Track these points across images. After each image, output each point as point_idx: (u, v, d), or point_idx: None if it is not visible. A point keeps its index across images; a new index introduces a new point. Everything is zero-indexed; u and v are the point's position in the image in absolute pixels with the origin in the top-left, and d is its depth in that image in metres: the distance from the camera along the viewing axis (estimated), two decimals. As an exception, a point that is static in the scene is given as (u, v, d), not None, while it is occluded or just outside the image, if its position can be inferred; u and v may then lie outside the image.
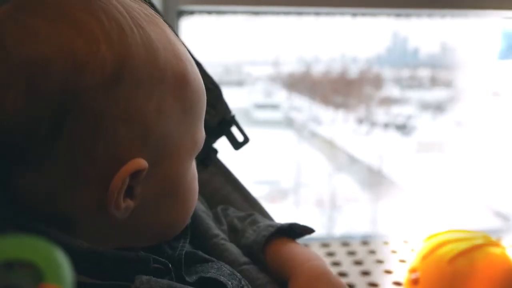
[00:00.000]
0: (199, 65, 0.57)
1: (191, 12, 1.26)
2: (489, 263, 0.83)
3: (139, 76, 0.33)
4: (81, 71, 0.31)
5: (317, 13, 1.32)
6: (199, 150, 0.38)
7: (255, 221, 0.47)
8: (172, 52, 0.35)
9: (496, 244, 0.86)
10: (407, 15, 1.42)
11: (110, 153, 0.32)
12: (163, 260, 0.36)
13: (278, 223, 0.45)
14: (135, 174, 0.33)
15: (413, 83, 5.95)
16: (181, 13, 1.25)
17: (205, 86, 0.55)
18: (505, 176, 4.76)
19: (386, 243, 1.02)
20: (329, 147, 5.34)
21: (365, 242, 1.01)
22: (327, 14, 1.33)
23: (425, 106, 5.75)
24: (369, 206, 4.79)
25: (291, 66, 5.85)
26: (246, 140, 0.56)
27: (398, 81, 5.89)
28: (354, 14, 1.34)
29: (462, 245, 0.85)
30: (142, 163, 0.33)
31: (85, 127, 0.32)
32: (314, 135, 5.49)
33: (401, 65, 6.06)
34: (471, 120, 5.33)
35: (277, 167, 5.10)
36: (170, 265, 0.36)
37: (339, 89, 5.85)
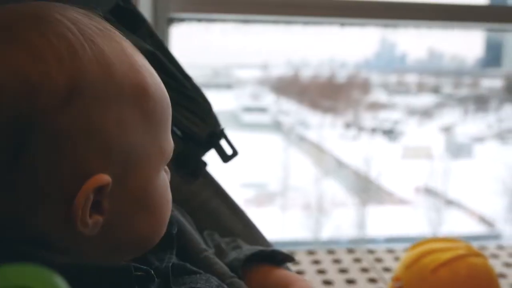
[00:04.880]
0: (188, 78, 0.58)
1: (181, 20, 1.27)
2: (471, 273, 0.85)
3: (94, 92, 0.33)
4: (34, 94, 0.31)
5: (305, 22, 1.33)
6: (168, 160, 0.39)
7: (238, 246, 0.48)
8: (129, 65, 0.36)
9: (478, 254, 0.88)
10: (394, 26, 1.44)
11: (72, 171, 0.33)
12: (145, 267, 0.36)
13: (261, 247, 0.46)
14: (100, 190, 0.33)
15: (401, 88, 6.00)
16: (171, 21, 1.26)
17: (196, 100, 0.56)
18: (491, 183, 4.82)
19: (371, 251, 1.03)
20: (317, 151, 5.36)
21: (350, 250, 1.02)
22: (316, 23, 1.34)
23: (412, 111, 5.79)
24: (356, 211, 4.82)
25: (279, 69, 5.86)
26: (235, 153, 0.57)
27: (386, 86, 5.94)
28: (343, 24, 1.36)
29: (445, 255, 0.87)
30: (105, 178, 0.33)
31: (45, 147, 0.32)
32: (301, 139, 5.51)
33: (389, 71, 6.10)
34: (457, 126, 5.40)
35: (264, 171, 5.11)
36: (152, 272, 0.36)
37: (327, 93, 5.88)
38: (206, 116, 0.56)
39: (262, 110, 5.65)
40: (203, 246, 0.45)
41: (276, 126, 5.62)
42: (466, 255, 0.87)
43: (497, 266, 1.00)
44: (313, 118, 5.60)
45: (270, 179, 5.03)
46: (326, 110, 5.67)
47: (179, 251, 0.43)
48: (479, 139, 5.35)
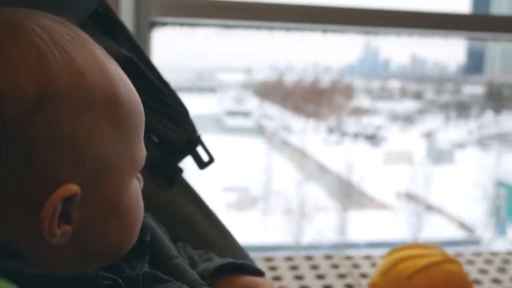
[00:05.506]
0: (166, 85, 0.58)
1: (164, 24, 1.26)
2: (446, 280, 0.87)
3: (65, 100, 0.33)
4: (2, 101, 0.31)
5: (288, 28, 1.34)
6: (140, 167, 0.39)
7: (210, 258, 0.48)
8: (101, 73, 0.35)
9: (453, 261, 0.89)
10: (375, 33, 1.46)
11: (41, 180, 0.32)
12: (113, 276, 0.36)
13: (232, 260, 0.47)
14: (68, 200, 0.33)
15: (383, 94, 6.06)
16: (153, 24, 1.25)
17: (173, 106, 0.56)
18: (471, 188, 4.89)
19: (348, 257, 1.04)
20: (299, 155, 5.38)
21: (328, 256, 1.03)
22: (298, 29, 1.35)
23: (394, 117, 5.86)
24: (337, 216, 4.84)
25: (263, 74, 5.87)
26: (211, 160, 0.57)
27: (369, 92, 5.99)
28: (324, 30, 1.37)
29: (421, 262, 0.88)
30: (73, 188, 0.33)
31: (14, 156, 0.32)
32: (284, 143, 5.52)
33: (372, 76, 6.16)
34: (439, 132, 5.47)
35: (246, 175, 5.11)
36: (120, 281, 0.36)
37: (310, 98, 5.91)
38: (183, 123, 0.56)
39: (246, 114, 5.66)
40: (175, 253, 0.45)
41: (259, 130, 5.63)
42: (442, 261, 0.88)
43: (472, 272, 1.02)
44: (296, 122, 5.63)
45: (252, 183, 5.03)
46: (309, 114, 5.70)
47: (151, 258, 0.43)
48: (460, 145, 5.43)
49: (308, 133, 5.59)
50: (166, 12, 1.23)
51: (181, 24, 1.28)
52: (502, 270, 1.02)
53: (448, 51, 5.17)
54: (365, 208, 5.30)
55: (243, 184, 5.17)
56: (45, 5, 0.40)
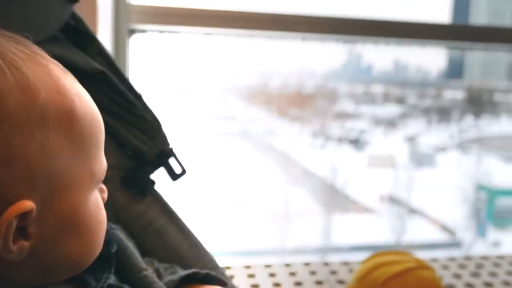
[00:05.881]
0: (138, 97, 0.58)
1: (143, 31, 1.27)
2: (419, 286, 0.88)
3: (15, 119, 0.33)
4: None
5: (268, 36, 1.35)
6: (100, 181, 0.39)
7: (176, 271, 0.49)
8: (55, 89, 0.36)
9: (426, 267, 0.91)
10: (354, 42, 1.48)
11: None
12: None
13: (196, 270, 0.47)
14: (24, 216, 0.33)
15: (367, 98, 6.12)
16: (132, 31, 1.25)
17: (145, 118, 0.57)
18: (452, 192, 4.96)
19: (326, 263, 1.05)
20: (284, 159, 5.40)
21: (306, 263, 1.04)
22: (278, 37, 1.37)
23: (377, 121, 5.91)
24: (322, 219, 4.87)
25: (248, 78, 5.88)
26: (183, 171, 0.57)
27: (353, 97, 6.04)
28: (304, 39, 1.39)
29: (395, 268, 0.90)
30: (27, 204, 0.33)
31: None
32: (269, 147, 5.54)
33: (356, 81, 6.21)
34: (421, 136, 5.54)
35: (231, 179, 5.11)
36: None
37: (295, 102, 5.93)
38: (155, 135, 0.57)
39: (231, 118, 5.66)
40: (143, 265, 0.46)
41: (244, 134, 5.64)
42: (416, 268, 0.90)
43: (447, 277, 1.04)
44: (281, 126, 5.65)
45: (237, 188, 5.03)
46: (294, 119, 5.72)
47: (119, 271, 0.43)
48: (442, 149, 5.50)
49: (292, 137, 5.61)
50: (145, 20, 1.24)
51: (161, 32, 1.29)
52: (475, 274, 1.04)
53: (430, 57, 5.24)
54: (349, 211, 5.33)
55: (228, 188, 5.17)
56: (15, 20, 0.40)
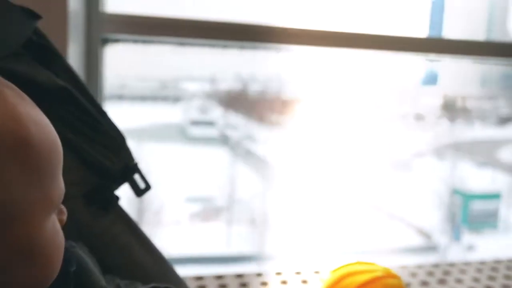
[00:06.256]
0: (103, 113, 0.59)
1: (116, 40, 1.26)
2: (386, 295, 0.90)
3: None
4: None
5: (241, 47, 1.36)
6: (57, 206, 0.39)
7: (136, 287, 0.49)
8: (10, 116, 0.36)
9: (394, 276, 0.93)
10: (329, 52, 1.50)
11: None
12: None
13: (155, 284, 0.48)
14: None
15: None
16: (105, 41, 1.25)
17: (109, 135, 0.57)
18: (428, 196, 5.04)
19: (279, 273, 1.07)
20: (263, 165, 5.41)
21: (258, 274, 1.05)
22: (251, 48, 1.38)
23: (355, 127, 5.96)
24: (301, 225, 4.89)
25: (227, 83, 5.89)
26: (148, 187, 0.58)
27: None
28: (278, 49, 1.40)
29: (363, 277, 0.92)
30: None
31: None
32: (248, 153, 5.54)
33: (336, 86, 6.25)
34: (398, 142, 5.61)
35: (211, 185, 5.10)
36: None
37: (274, 108, 5.96)
38: (119, 150, 0.57)
39: (210, 123, 5.65)
40: (103, 283, 0.46)
41: (224, 140, 5.63)
42: (383, 277, 0.92)
43: (414, 285, 1.06)
44: (260, 132, 5.66)
45: (216, 194, 5.02)
46: (273, 124, 5.74)
47: (78, 288, 0.43)
48: (418, 155, 5.58)
49: (271, 143, 5.63)
50: (118, 29, 1.24)
51: (135, 41, 1.29)
52: (442, 281, 1.07)
53: (407, 65, 5.33)
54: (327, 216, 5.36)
55: (207, 194, 5.16)
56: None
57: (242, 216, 4.90)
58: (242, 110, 5.97)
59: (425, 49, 1.53)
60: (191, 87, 6.04)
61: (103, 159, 0.55)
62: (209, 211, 4.98)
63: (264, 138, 5.55)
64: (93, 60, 1.21)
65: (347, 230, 4.96)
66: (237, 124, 5.84)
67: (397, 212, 5.08)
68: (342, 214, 5.15)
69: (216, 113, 5.92)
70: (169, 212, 4.83)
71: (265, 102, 5.94)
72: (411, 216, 5.08)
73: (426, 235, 5.07)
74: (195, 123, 5.90)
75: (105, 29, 1.21)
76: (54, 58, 0.57)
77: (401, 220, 5.09)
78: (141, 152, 4.76)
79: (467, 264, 1.16)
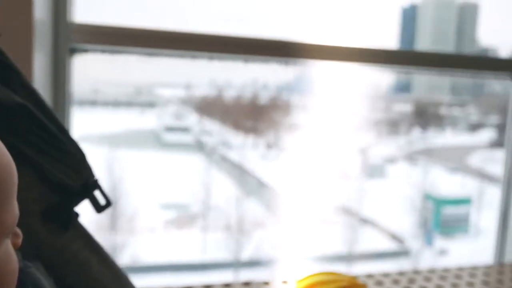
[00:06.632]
0: (62, 130, 0.58)
1: (84, 50, 1.26)
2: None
3: None
4: None
5: (210, 57, 1.37)
6: (10, 231, 0.38)
7: None
8: None
9: (360, 285, 0.95)
10: (294, 63, 1.52)
11: None
12: None
13: None
14: None
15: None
16: (73, 51, 1.24)
17: (69, 152, 0.57)
18: (401, 201, 5.12)
19: (246, 283, 1.07)
20: (238, 171, 5.42)
21: (227, 285, 1.06)
22: (220, 58, 1.38)
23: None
24: (275, 231, 4.91)
25: (203, 89, 5.88)
26: (108, 203, 0.58)
27: (306, 109, 6.14)
28: (246, 60, 1.41)
29: (329, 287, 0.93)
30: None
31: None
32: (224, 159, 5.54)
33: (309, 93, 6.32)
34: (372, 148, 5.70)
35: (186, 191, 5.07)
36: None
37: (250, 114, 5.98)
38: (79, 167, 0.57)
39: (185, 129, 5.63)
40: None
41: (199, 146, 5.62)
42: (349, 286, 0.93)
43: (380, 293, 1.08)
44: (236, 138, 5.67)
45: (191, 200, 5.00)
46: (249, 130, 5.76)
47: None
48: (391, 160, 5.68)
49: (247, 149, 5.64)
50: (86, 39, 1.23)
51: (103, 51, 1.28)
52: (407, 290, 1.09)
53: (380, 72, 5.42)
54: (303, 222, 5.39)
55: (182, 201, 5.13)
56: None
57: (217, 222, 4.89)
58: (217, 116, 5.98)
59: (396, 61, 1.57)
60: (166, 93, 6.02)
61: (63, 176, 0.55)
62: (184, 218, 4.95)
63: (239, 144, 5.57)
64: (60, 70, 1.20)
65: (321, 236, 4.99)
66: (212, 130, 5.84)
67: (371, 217, 5.15)
68: (316, 220, 5.19)
69: (191, 119, 5.91)
70: (144, 219, 4.78)
71: (240, 108, 5.96)
72: (385, 222, 5.15)
73: (399, 240, 5.14)
74: (170, 129, 5.88)
75: (73, 39, 1.20)
76: (12, 75, 0.56)
77: (376, 225, 5.16)
78: (114, 158, 4.69)
79: (432, 271, 1.19)
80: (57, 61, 1.21)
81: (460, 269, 1.19)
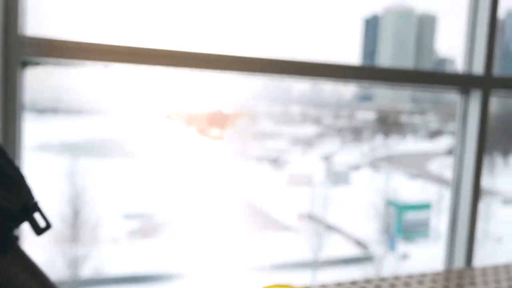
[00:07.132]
0: (1, 153, 0.58)
1: (36, 63, 1.24)
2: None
3: None
4: None
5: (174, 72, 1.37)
6: None
7: None
8: None
9: (310, 297, 0.97)
10: (260, 76, 1.54)
11: None
12: None
13: None
14: None
15: (286, 118, 6.30)
16: (25, 64, 1.22)
17: (7, 173, 0.56)
18: (365, 208, 5.21)
19: None
20: (204, 179, 5.40)
21: None
22: (183, 74, 1.39)
23: (296, 141, 6.10)
24: (243, 238, 4.91)
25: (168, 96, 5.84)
26: (48, 226, 0.57)
27: (272, 117, 6.20)
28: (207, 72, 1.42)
29: (280, 300, 0.94)
30: None
31: None
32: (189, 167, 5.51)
33: (275, 102, 6.38)
34: (336, 155, 5.79)
35: (150, 201, 5.02)
36: None
37: (216, 122, 5.98)
38: (19, 190, 0.56)
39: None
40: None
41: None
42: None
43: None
44: (202, 146, 5.65)
45: (156, 210, 4.95)
46: (215, 139, 5.76)
47: None
48: (355, 167, 5.78)
49: (213, 157, 5.63)
50: (38, 52, 1.21)
51: (56, 64, 1.27)
52: (359, 300, 1.11)
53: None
54: (269, 230, 5.43)
55: (146, 210, 5.07)
56: None
57: (182, 232, 4.85)
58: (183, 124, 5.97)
59: (357, 76, 1.62)
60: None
61: (1, 199, 0.55)
62: (148, 228, 4.90)
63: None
64: (11, 83, 1.18)
65: (284, 242, 5.03)
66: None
67: (336, 224, 5.22)
68: (278, 227, 5.22)
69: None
70: (106, 229, 4.70)
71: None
72: (349, 228, 5.23)
73: (363, 246, 5.23)
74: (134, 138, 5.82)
75: (25, 52, 1.18)
76: None
77: (340, 232, 5.23)
78: (76, 167, 4.60)
79: (397, 278, 1.22)
80: (7, 74, 1.19)
81: (423, 275, 1.22)
